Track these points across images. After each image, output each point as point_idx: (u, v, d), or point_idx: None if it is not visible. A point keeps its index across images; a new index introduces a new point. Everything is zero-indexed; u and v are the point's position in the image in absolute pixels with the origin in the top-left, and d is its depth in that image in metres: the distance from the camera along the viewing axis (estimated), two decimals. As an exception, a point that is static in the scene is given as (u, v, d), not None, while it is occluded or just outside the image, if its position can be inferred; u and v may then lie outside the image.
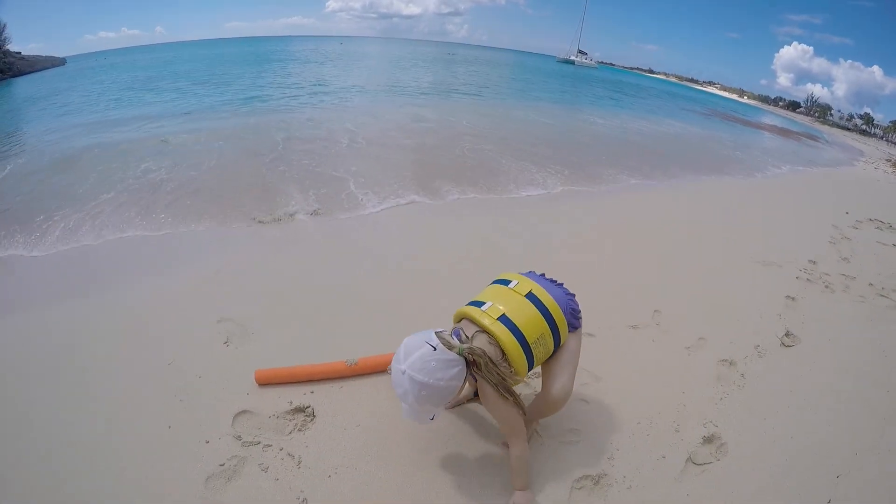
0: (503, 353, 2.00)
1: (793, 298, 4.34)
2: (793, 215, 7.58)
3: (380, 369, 2.86)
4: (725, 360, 3.30)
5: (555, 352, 2.20)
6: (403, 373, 1.80)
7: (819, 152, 20.54)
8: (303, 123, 10.90)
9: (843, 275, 5.03)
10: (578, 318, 2.27)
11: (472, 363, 1.90)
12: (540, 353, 2.09)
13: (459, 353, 1.87)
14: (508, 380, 1.95)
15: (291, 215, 5.43)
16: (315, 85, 19.67)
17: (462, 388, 1.96)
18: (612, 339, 3.43)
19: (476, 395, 2.15)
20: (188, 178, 6.61)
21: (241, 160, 7.63)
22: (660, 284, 4.37)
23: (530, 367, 2.09)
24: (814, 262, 5.31)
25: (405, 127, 11.35)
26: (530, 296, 2.13)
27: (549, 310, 2.11)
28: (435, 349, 1.83)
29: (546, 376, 2.24)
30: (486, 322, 2.02)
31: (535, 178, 7.84)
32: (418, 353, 1.82)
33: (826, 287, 4.69)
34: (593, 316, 3.59)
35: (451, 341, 1.89)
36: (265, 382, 2.76)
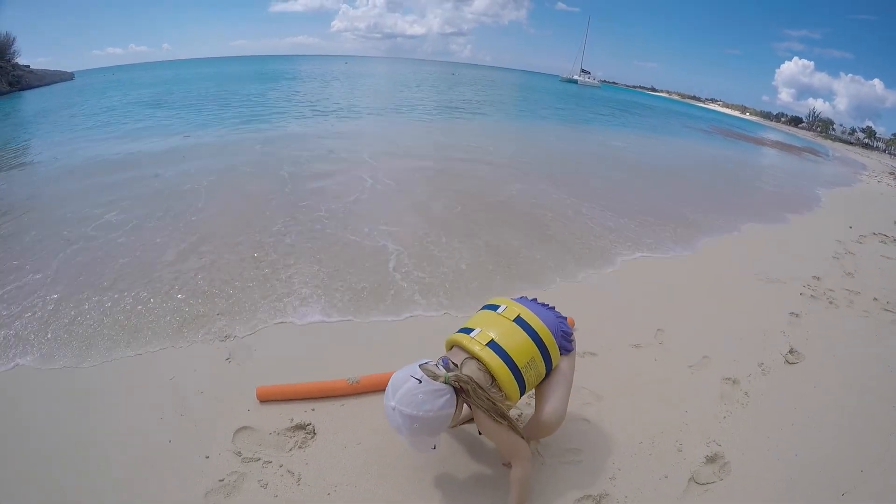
0: (493, 379, 2.00)
1: (797, 315, 4.31)
2: (797, 231, 7.56)
3: (382, 388, 2.59)
4: (729, 379, 3.28)
5: (547, 375, 2.20)
6: (394, 409, 1.82)
7: (822, 167, 20.55)
8: (312, 152, 9.89)
9: (848, 290, 5.01)
10: (571, 341, 2.29)
11: (461, 390, 1.91)
12: (531, 377, 2.10)
13: (446, 382, 1.87)
14: (499, 404, 1.94)
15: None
16: (324, 104, 19.69)
17: (457, 414, 1.97)
18: (614, 358, 3.42)
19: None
20: (145, 265, 4.51)
21: (232, 220, 5.74)
22: (662, 303, 4.36)
23: (522, 391, 2.08)
24: (818, 279, 5.28)
25: (430, 157, 10.27)
26: (519, 320, 2.14)
27: (539, 334, 2.12)
28: (420, 381, 1.83)
29: (539, 399, 2.24)
30: (475, 348, 2.03)
31: (630, 235, 6.30)
32: (405, 387, 1.83)
33: (830, 303, 4.66)
34: (595, 335, 3.60)
35: (436, 371, 1.90)
36: (266, 399, 2.75)
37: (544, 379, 2.20)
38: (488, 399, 1.91)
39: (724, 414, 2.92)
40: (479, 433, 2.14)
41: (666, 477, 2.42)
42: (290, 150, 10.00)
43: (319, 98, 22.49)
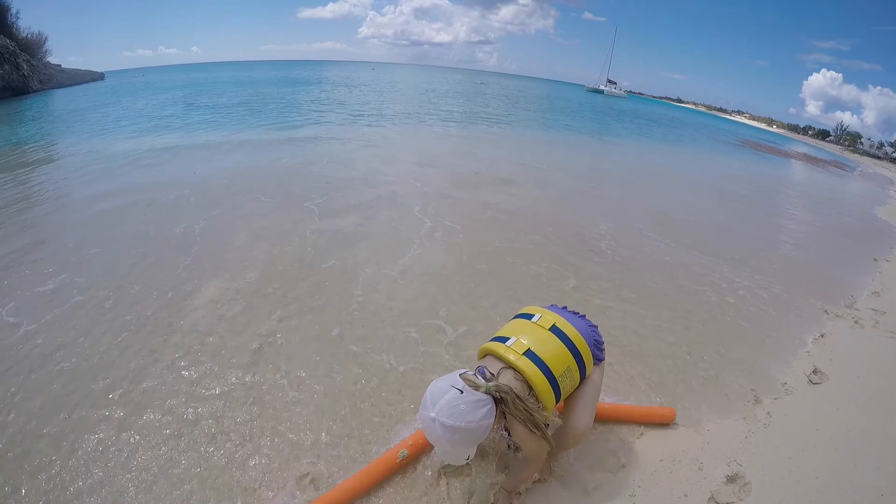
0: (530, 389, 1.99)
1: (822, 335, 4.26)
2: (822, 248, 7.44)
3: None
4: (751, 399, 3.26)
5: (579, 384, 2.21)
6: (434, 420, 1.77)
7: (849, 182, 20.17)
8: (349, 174, 8.46)
9: (873, 309, 4.92)
10: (602, 350, 2.30)
11: (500, 400, 1.89)
12: (566, 386, 2.10)
13: (486, 392, 1.85)
14: (536, 415, 1.93)
15: None
16: (357, 109, 19.62)
17: (497, 425, 1.95)
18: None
19: (509, 446, 2.25)
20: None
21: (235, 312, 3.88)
22: (685, 321, 4.33)
23: (557, 400, 2.09)
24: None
25: (487, 182, 8.70)
26: (554, 329, 2.15)
27: (574, 342, 2.13)
28: (462, 392, 1.81)
29: (568, 409, 2.25)
30: (512, 357, 2.01)
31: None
32: (446, 398, 1.79)
33: (855, 322, 4.59)
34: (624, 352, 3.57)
35: (477, 381, 1.88)
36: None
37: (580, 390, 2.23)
38: (526, 410, 1.90)
39: (746, 434, 2.90)
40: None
41: (686, 496, 2.42)
42: (320, 166, 9.02)
43: (353, 103, 22.51)
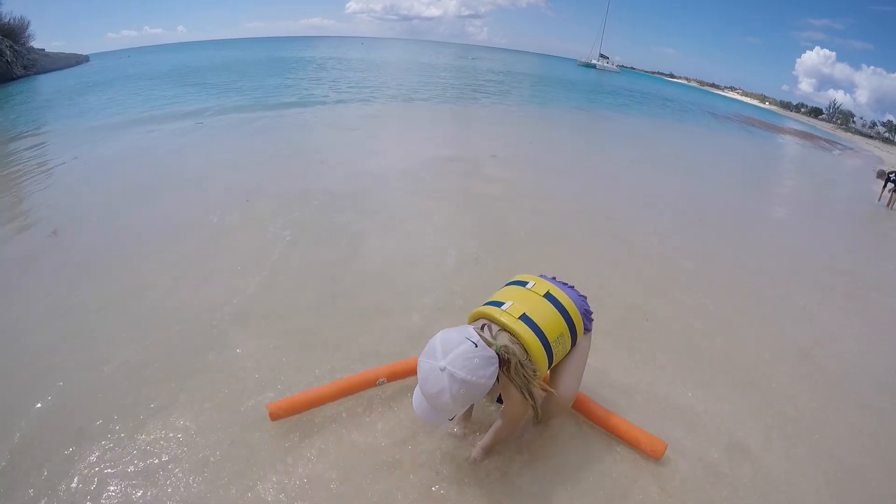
0: (526, 353, 1.98)
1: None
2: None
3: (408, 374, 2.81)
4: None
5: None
6: (443, 369, 1.72)
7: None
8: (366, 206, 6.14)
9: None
10: (591, 320, 2.36)
11: (504, 361, 1.89)
12: (559, 352, 2.14)
13: (496, 351, 1.85)
14: (532, 381, 1.94)
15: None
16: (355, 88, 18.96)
17: (495, 387, 1.99)
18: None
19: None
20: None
21: None
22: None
23: (549, 365, 2.13)
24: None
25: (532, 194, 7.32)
26: (548, 296, 2.18)
27: (567, 310, 2.17)
28: (476, 346, 1.78)
29: (556, 376, 2.30)
30: (507, 321, 2.01)
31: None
32: (460, 349, 1.76)
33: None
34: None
35: (489, 338, 1.87)
36: (280, 416, 2.54)
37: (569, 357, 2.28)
38: (525, 376, 1.91)
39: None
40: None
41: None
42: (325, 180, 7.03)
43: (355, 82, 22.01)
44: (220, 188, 6.60)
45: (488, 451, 2.30)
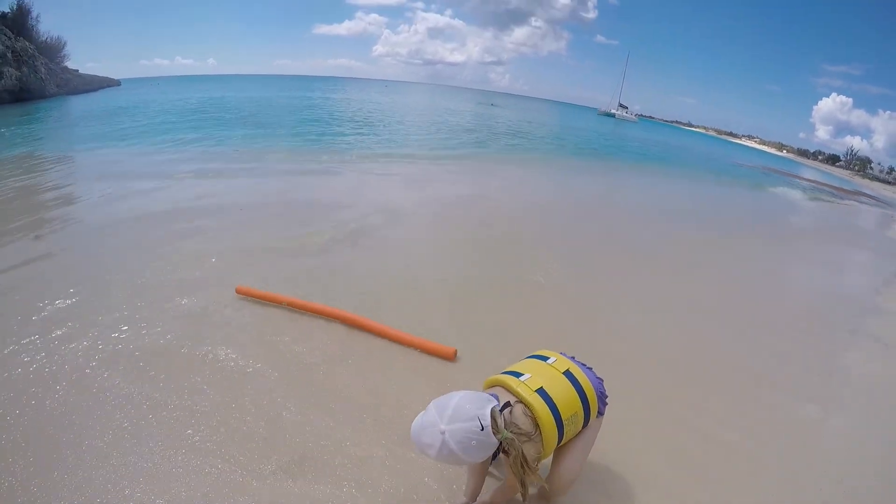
0: (537, 427, 1.94)
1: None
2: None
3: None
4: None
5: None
6: (442, 433, 1.73)
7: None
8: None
9: None
10: (605, 404, 2.26)
11: (504, 450, 1.87)
12: (570, 431, 2.07)
13: (500, 440, 1.80)
14: (527, 477, 1.88)
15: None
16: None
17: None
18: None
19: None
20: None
21: None
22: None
23: (559, 442, 2.06)
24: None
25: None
26: (567, 374, 2.13)
27: (585, 390, 2.12)
28: (482, 430, 1.75)
29: (560, 455, 2.22)
30: (524, 393, 1.98)
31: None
32: (466, 425, 1.74)
33: None
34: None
35: (499, 424, 1.81)
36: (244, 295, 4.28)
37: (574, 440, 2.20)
38: (522, 467, 1.85)
39: None
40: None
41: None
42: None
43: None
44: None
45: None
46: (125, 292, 4.26)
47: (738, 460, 2.93)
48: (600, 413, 2.23)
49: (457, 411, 1.76)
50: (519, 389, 1.98)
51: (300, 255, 5.43)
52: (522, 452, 1.84)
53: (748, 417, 3.38)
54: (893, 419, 3.64)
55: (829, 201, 20.82)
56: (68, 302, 4.05)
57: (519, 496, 1.98)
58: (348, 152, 13.57)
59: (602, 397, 2.23)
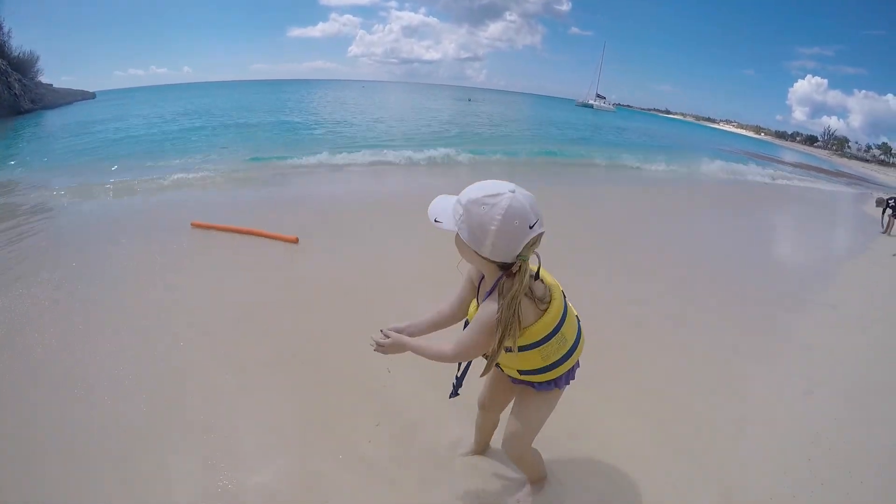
0: (543, 311, 1.67)
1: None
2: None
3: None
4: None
5: (537, 386, 1.87)
6: (458, 201, 1.52)
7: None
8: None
9: None
10: (570, 381, 1.93)
11: (509, 274, 1.55)
12: (553, 348, 1.72)
13: (518, 257, 1.50)
14: (510, 330, 1.56)
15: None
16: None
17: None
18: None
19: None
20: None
21: None
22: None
23: (539, 345, 1.70)
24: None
25: None
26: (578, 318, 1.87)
27: (579, 341, 1.84)
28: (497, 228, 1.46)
29: (512, 417, 1.98)
30: (549, 279, 1.75)
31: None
32: (477, 206, 1.47)
33: None
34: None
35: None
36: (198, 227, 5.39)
37: (523, 400, 1.94)
38: (512, 314, 1.54)
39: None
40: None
41: None
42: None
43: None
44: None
45: (406, 348, 1.83)
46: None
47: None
48: (566, 383, 1.91)
49: (484, 187, 1.49)
50: (545, 274, 1.75)
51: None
52: (525, 285, 1.52)
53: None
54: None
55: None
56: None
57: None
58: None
59: (571, 372, 1.88)
